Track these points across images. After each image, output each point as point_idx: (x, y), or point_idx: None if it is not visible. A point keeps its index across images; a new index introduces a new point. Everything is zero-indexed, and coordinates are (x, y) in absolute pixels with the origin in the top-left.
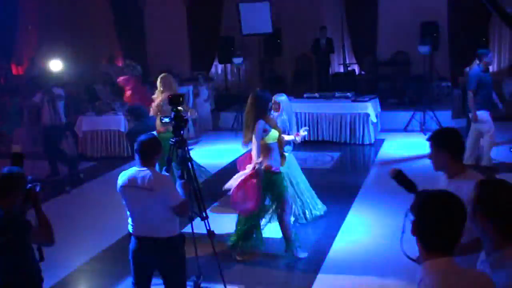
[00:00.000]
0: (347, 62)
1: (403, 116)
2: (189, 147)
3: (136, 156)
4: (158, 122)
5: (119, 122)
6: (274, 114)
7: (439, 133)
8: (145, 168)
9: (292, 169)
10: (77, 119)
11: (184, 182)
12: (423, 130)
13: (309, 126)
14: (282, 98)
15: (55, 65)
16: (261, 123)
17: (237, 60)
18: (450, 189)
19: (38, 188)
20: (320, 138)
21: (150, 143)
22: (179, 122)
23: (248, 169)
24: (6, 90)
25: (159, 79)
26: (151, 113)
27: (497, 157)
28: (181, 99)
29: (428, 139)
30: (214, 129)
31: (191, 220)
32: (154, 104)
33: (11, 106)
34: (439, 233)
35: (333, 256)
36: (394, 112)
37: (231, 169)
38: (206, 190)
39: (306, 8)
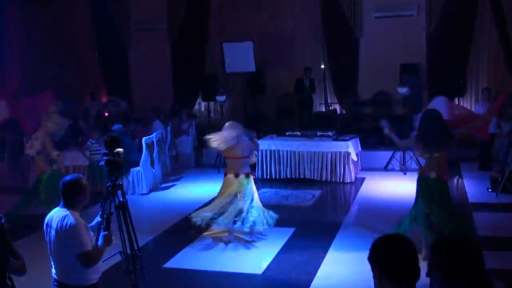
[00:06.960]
0: (329, 101)
1: (383, 155)
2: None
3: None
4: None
5: (102, 158)
6: None
7: None
8: (64, 209)
9: None
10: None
11: (106, 235)
12: (403, 169)
13: (290, 164)
14: None
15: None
16: None
17: (220, 98)
18: None
19: (3, 220)
20: (301, 176)
21: (71, 184)
22: (113, 166)
23: None
24: None
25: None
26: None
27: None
28: (119, 141)
29: None
30: (196, 166)
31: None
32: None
33: None
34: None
35: None
36: (374, 151)
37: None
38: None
39: (289, 48)
